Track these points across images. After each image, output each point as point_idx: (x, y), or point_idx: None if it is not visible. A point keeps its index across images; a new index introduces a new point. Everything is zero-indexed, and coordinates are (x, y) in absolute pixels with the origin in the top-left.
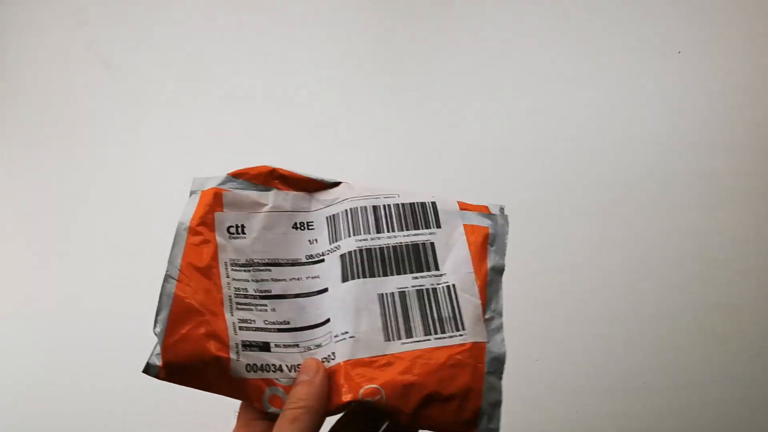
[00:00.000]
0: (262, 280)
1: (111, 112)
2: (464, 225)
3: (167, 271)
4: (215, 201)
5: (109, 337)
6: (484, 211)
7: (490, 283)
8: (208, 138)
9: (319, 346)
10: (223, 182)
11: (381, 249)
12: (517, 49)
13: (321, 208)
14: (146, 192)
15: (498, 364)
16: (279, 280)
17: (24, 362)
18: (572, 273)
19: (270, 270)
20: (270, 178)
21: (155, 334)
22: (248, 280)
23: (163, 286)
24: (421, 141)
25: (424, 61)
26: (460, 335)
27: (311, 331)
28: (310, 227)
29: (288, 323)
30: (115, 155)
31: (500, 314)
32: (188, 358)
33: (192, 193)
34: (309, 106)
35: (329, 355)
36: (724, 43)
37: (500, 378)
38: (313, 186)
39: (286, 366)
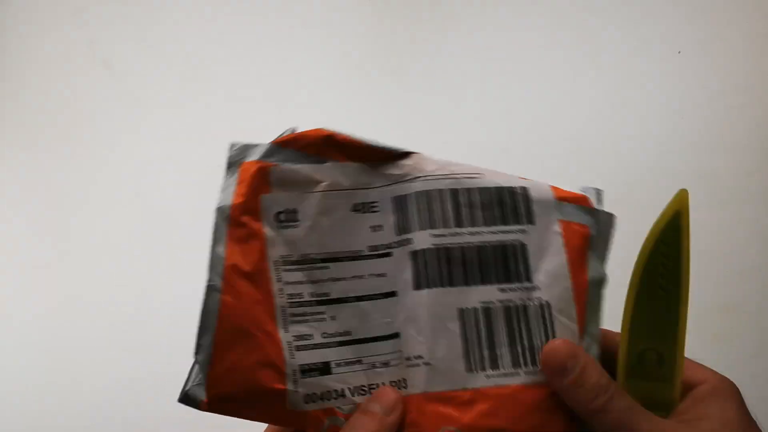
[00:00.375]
0: (319, 281)
1: (111, 112)
2: (560, 221)
3: (209, 279)
4: (261, 179)
5: (108, 337)
6: (583, 203)
7: (589, 301)
8: (208, 138)
9: (386, 365)
10: (268, 153)
11: (462, 249)
12: (516, 49)
13: (386, 184)
14: (146, 192)
15: None
16: (338, 280)
17: (24, 362)
18: None
19: (328, 267)
20: (326, 147)
21: (197, 362)
22: (303, 282)
23: (205, 301)
24: (421, 141)
25: (424, 62)
26: None
27: (377, 344)
28: (373, 208)
29: (349, 334)
30: (115, 155)
31: (597, 340)
32: (237, 392)
33: (230, 165)
34: (309, 107)
35: (399, 381)
36: (724, 43)
37: None
38: (377, 155)
39: (349, 389)
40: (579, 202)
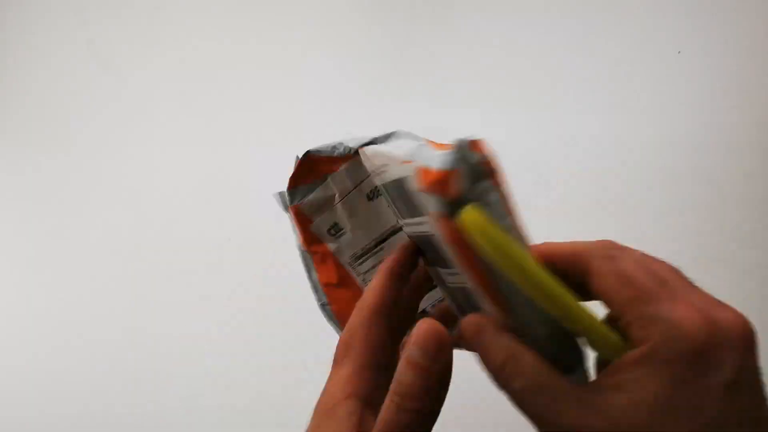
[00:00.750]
0: (381, 256)
1: (110, 112)
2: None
3: (319, 300)
4: (302, 217)
5: (109, 337)
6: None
7: None
8: (208, 138)
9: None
10: (291, 198)
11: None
12: (516, 49)
13: (370, 175)
14: (146, 191)
15: None
16: (389, 246)
17: (24, 362)
18: None
19: (382, 248)
20: (315, 169)
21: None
22: (374, 266)
23: (326, 315)
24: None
25: (423, 63)
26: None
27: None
28: (378, 193)
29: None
30: (115, 154)
31: None
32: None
33: (285, 211)
34: (309, 106)
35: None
36: (724, 43)
37: None
38: (342, 159)
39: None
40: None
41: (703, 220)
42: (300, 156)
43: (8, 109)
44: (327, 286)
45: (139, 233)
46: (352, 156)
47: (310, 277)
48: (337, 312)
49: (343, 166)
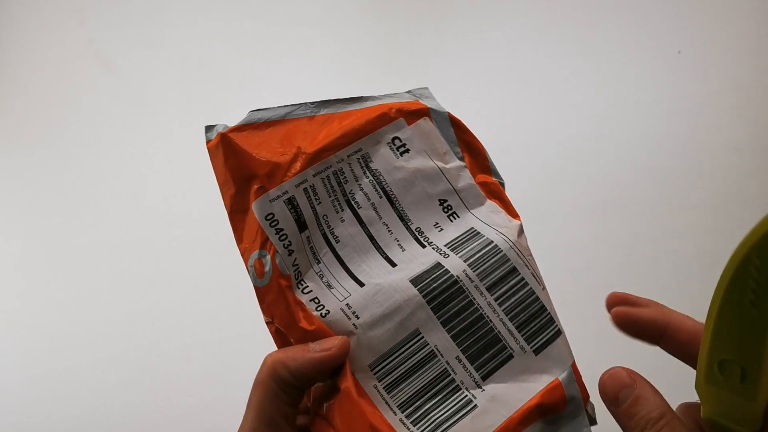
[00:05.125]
0: (365, 194)
1: (110, 112)
2: (558, 380)
3: (311, 104)
4: (416, 112)
5: (109, 338)
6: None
7: None
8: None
9: (329, 287)
10: (438, 112)
11: (471, 303)
12: (516, 49)
13: (480, 218)
14: (147, 191)
15: None
16: (375, 211)
17: (24, 362)
18: (571, 274)
19: (381, 197)
20: (470, 151)
21: (248, 113)
22: (357, 180)
23: (298, 104)
24: None
25: (422, 63)
26: None
27: (341, 271)
28: (452, 218)
29: (337, 241)
30: (115, 154)
31: None
32: (243, 151)
33: (410, 91)
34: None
35: (321, 305)
36: (724, 43)
37: None
38: (496, 194)
39: (293, 258)
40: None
41: (703, 220)
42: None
43: (8, 109)
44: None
45: (139, 232)
46: (497, 187)
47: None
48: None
49: (476, 186)
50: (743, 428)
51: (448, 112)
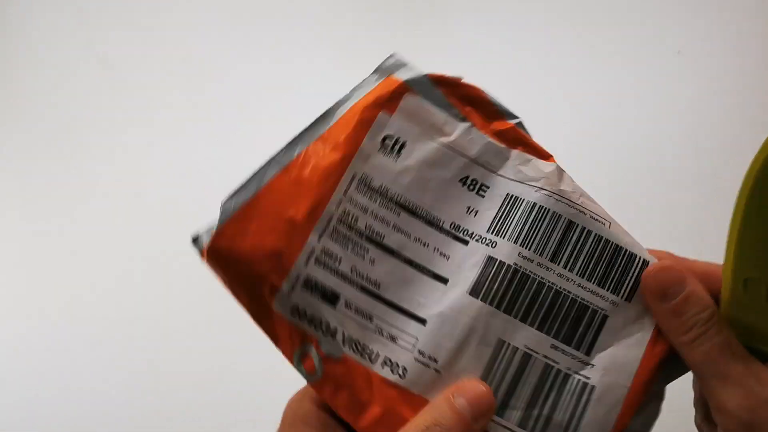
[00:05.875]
0: (382, 220)
1: (111, 112)
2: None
3: (278, 152)
4: (393, 96)
5: (109, 337)
6: None
7: (638, 412)
8: (208, 138)
9: (393, 339)
10: (417, 82)
11: (541, 284)
12: (515, 49)
13: (511, 178)
14: (147, 192)
15: None
16: (401, 231)
17: (24, 363)
18: None
19: (399, 214)
20: (473, 105)
21: (221, 207)
22: (366, 211)
23: (266, 163)
24: None
25: (422, 63)
26: None
27: (397, 314)
28: (482, 191)
29: (378, 286)
30: (115, 155)
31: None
32: (235, 258)
33: (377, 70)
34: (310, 107)
35: (395, 364)
36: (724, 43)
37: None
38: (520, 143)
39: (342, 334)
40: None
41: (702, 220)
42: (483, 89)
43: (7, 109)
44: (310, 156)
45: (139, 233)
46: (533, 149)
47: (314, 124)
48: (279, 183)
49: (491, 140)
50: None
51: (427, 74)
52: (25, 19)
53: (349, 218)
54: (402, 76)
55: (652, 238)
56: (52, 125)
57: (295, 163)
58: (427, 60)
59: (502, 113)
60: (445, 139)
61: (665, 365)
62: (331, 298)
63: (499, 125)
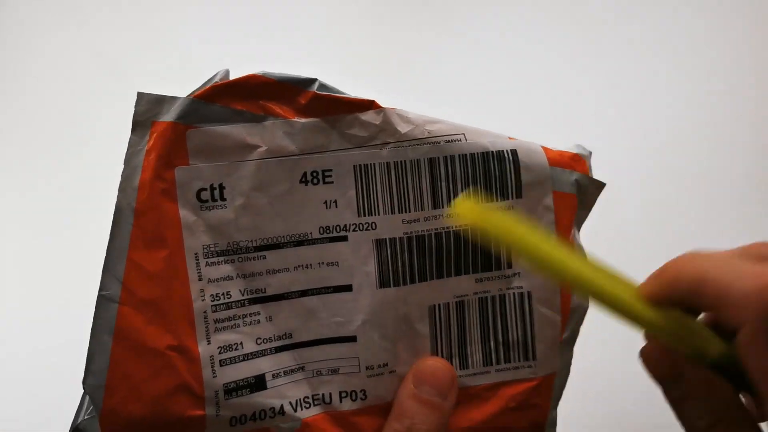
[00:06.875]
0: (253, 275)
1: (111, 113)
2: (554, 193)
3: (102, 288)
4: (175, 145)
5: None
6: (577, 167)
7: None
8: None
9: (335, 372)
10: (187, 111)
11: (437, 236)
12: (515, 49)
13: (347, 148)
14: None
15: (560, 392)
16: (278, 272)
17: (24, 364)
18: None
19: (264, 257)
20: (265, 99)
21: (86, 390)
22: (232, 278)
23: (96, 314)
24: None
25: (421, 64)
26: (529, 367)
27: (324, 347)
28: (327, 178)
29: (290, 336)
30: (116, 155)
31: (578, 331)
32: (140, 426)
33: (135, 126)
34: None
35: (354, 392)
36: (724, 43)
37: (556, 406)
38: (334, 107)
39: (290, 404)
40: (573, 165)
41: (702, 220)
42: (265, 74)
43: (7, 109)
44: (135, 270)
45: None
46: (352, 106)
47: (111, 243)
48: (123, 319)
49: (304, 120)
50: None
51: (191, 96)
52: (25, 18)
53: (221, 298)
54: (166, 116)
55: (650, 236)
56: (51, 125)
57: (128, 292)
58: (425, 62)
59: (296, 84)
60: (258, 152)
61: (573, 218)
62: (259, 382)
63: (301, 99)
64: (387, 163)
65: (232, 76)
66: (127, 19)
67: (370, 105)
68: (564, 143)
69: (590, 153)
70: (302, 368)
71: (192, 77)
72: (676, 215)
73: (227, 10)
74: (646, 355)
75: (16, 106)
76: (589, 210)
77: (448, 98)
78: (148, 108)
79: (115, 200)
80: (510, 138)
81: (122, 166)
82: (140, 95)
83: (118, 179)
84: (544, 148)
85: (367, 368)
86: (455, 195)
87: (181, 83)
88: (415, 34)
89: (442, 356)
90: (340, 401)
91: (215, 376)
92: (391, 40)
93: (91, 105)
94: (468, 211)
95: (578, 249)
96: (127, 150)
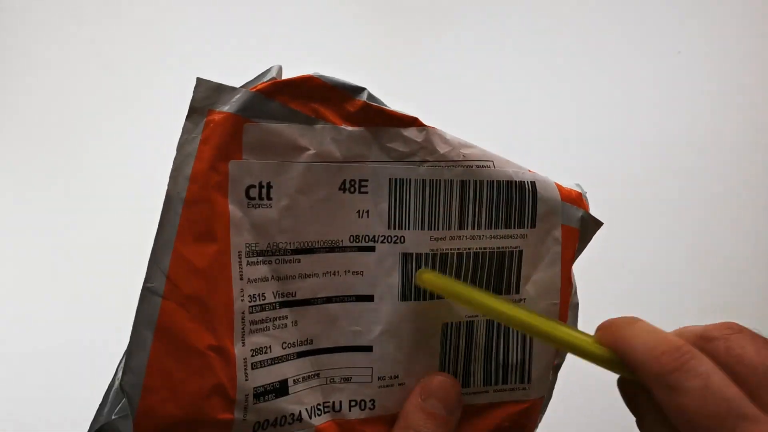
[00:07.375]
0: (287, 278)
1: (111, 112)
2: (562, 226)
3: (147, 279)
4: (232, 137)
5: (109, 338)
6: (579, 203)
7: (570, 317)
8: None
9: (347, 380)
10: (247, 105)
11: (460, 256)
12: (515, 50)
13: (386, 161)
14: (148, 193)
15: (542, 415)
16: (308, 276)
17: (24, 365)
18: None
19: (299, 261)
20: (317, 99)
21: (123, 388)
22: (268, 279)
23: (139, 307)
24: None
25: (422, 65)
26: (523, 389)
27: (339, 355)
28: (363, 188)
29: (311, 342)
30: (116, 155)
31: (564, 359)
32: (174, 425)
33: (192, 112)
34: None
35: (363, 402)
36: (724, 43)
37: (536, 429)
38: (379, 118)
39: (306, 411)
40: (578, 203)
41: (702, 220)
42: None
43: (7, 109)
44: (182, 265)
45: (139, 235)
46: (397, 120)
47: (159, 234)
48: (166, 314)
49: (350, 128)
50: None
51: (254, 89)
52: (25, 18)
53: (258, 300)
54: (225, 107)
55: (649, 236)
56: (51, 125)
57: (173, 287)
58: (426, 63)
59: (347, 91)
60: (307, 154)
61: (575, 251)
62: (282, 388)
63: (349, 107)
64: (423, 180)
65: (237, 78)
66: (127, 19)
67: (413, 121)
68: (564, 144)
69: (586, 192)
70: (318, 375)
71: (192, 77)
72: (672, 219)
73: (227, 10)
74: (619, 384)
75: (16, 107)
76: (586, 245)
77: (446, 99)
78: (206, 95)
79: (126, 198)
80: (530, 171)
81: (126, 164)
82: (199, 81)
83: (119, 179)
84: (557, 184)
85: (379, 378)
86: (479, 217)
87: (181, 83)
88: (410, 36)
89: (448, 373)
90: (349, 410)
91: (247, 380)
92: (387, 45)
93: (92, 105)
94: (430, 279)
95: (572, 282)
96: (181, 136)
